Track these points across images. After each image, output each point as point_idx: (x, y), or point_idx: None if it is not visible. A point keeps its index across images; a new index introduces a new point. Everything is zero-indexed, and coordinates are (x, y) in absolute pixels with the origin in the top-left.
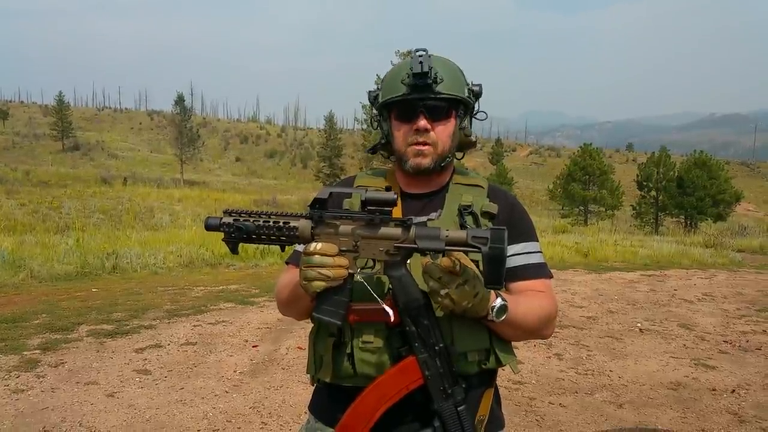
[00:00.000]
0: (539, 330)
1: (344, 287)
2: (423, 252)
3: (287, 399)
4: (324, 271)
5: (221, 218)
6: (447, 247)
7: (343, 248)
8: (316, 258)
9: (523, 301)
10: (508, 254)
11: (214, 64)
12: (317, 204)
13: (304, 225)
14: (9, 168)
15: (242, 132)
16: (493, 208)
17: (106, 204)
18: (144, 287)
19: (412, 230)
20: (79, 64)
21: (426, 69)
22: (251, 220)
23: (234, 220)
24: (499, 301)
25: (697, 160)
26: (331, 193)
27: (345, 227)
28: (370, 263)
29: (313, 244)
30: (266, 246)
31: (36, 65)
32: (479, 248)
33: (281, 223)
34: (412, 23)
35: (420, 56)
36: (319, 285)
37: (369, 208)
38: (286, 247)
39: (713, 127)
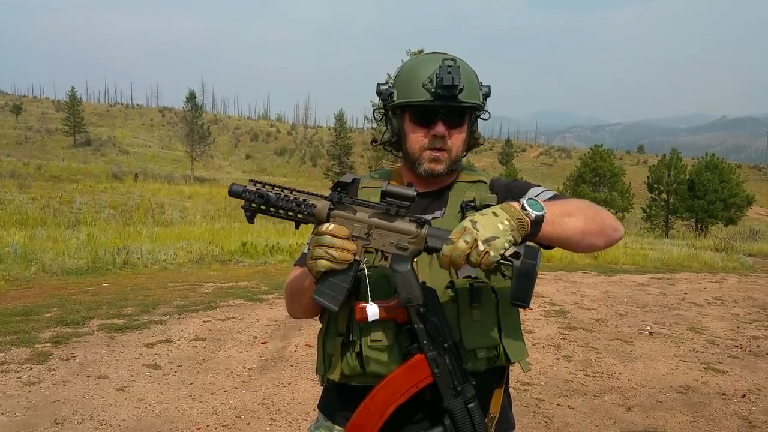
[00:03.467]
0: (594, 221)
1: (347, 274)
2: (430, 252)
3: (296, 396)
4: (331, 251)
5: (245, 186)
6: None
7: (355, 234)
8: (327, 238)
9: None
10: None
11: (225, 62)
12: (339, 187)
13: (322, 204)
14: (21, 162)
15: (252, 129)
16: (493, 199)
17: (117, 199)
18: (154, 282)
19: (425, 228)
20: (92, 60)
21: (456, 82)
22: (274, 191)
23: (258, 189)
24: (523, 200)
25: (708, 162)
26: (354, 179)
27: (361, 214)
28: (378, 257)
29: (326, 225)
30: (275, 243)
31: (49, 61)
32: (511, 263)
33: (301, 199)
34: (422, 22)
35: (449, 66)
36: (323, 264)
37: (388, 199)
38: (296, 246)
39: (724, 130)
